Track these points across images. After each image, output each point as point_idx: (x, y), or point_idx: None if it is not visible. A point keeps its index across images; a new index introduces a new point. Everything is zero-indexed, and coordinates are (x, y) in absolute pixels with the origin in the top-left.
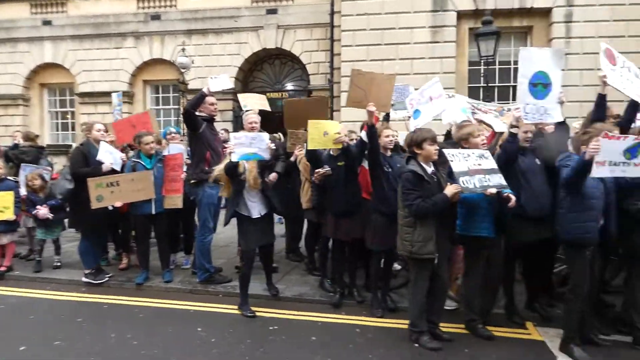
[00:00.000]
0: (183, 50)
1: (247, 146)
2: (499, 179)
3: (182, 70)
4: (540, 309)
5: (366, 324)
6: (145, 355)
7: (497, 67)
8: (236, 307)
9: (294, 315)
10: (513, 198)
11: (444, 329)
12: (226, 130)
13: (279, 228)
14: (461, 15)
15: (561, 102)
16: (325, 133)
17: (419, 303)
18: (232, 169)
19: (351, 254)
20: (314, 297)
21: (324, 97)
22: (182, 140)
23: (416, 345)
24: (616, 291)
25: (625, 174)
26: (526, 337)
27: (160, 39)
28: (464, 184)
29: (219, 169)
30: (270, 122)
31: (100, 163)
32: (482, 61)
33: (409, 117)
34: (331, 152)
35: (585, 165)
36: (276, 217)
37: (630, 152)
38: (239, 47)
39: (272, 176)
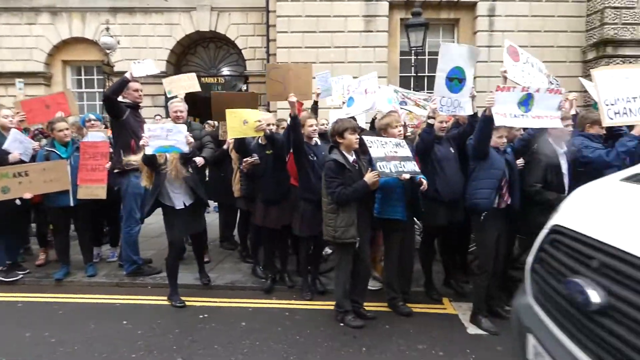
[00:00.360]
0: (107, 29)
1: (163, 139)
2: (412, 166)
3: (107, 51)
4: (455, 286)
5: (295, 307)
6: (64, 353)
7: (426, 57)
8: (166, 298)
9: (225, 302)
10: (424, 182)
11: (368, 308)
12: (160, 117)
13: (214, 217)
14: (393, 5)
15: (472, 97)
16: (244, 122)
17: (343, 285)
18: (149, 161)
19: (281, 240)
20: (246, 284)
21: (255, 93)
22: (106, 127)
23: (341, 324)
24: (524, 267)
25: (526, 125)
26: (442, 311)
27: (80, 15)
28: (380, 168)
29: (135, 158)
30: (206, 107)
31: (7, 153)
32: (412, 51)
33: (343, 102)
34: (260, 141)
35: (487, 120)
36: (212, 205)
37: (524, 105)
38: (170, 29)
39: (198, 160)
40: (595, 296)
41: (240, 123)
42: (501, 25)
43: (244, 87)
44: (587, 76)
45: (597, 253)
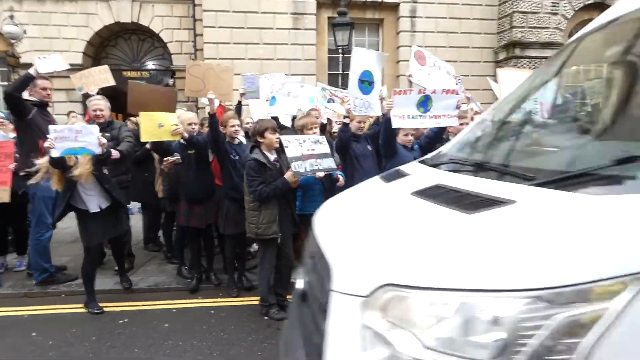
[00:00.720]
0: (11, 17)
1: (71, 140)
2: (329, 163)
3: (12, 41)
4: None
5: (221, 304)
6: None
7: None
8: (82, 305)
9: (147, 305)
10: (341, 179)
11: None
12: (75, 114)
13: (139, 218)
14: (321, 4)
15: (381, 99)
16: (160, 125)
17: (267, 279)
18: (57, 164)
19: (207, 239)
20: (170, 285)
21: (174, 89)
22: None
23: (266, 317)
24: None
25: (424, 125)
26: None
27: None
28: (295, 168)
29: (42, 162)
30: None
31: None
32: (339, 49)
33: (267, 100)
34: (181, 140)
35: (388, 121)
36: (136, 206)
37: (423, 106)
38: (87, 19)
39: (114, 153)
40: (300, 284)
41: (155, 126)
42: (422, 26)
43: (171, 82)
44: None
45: (313, 245)
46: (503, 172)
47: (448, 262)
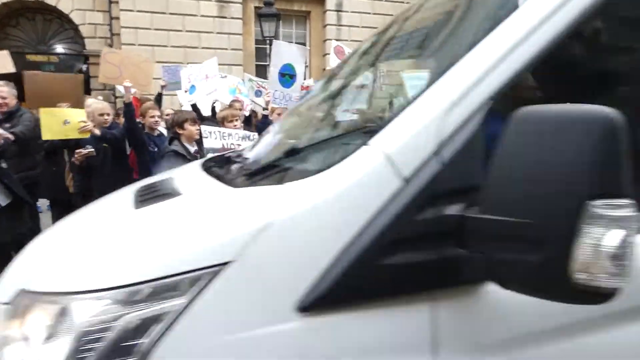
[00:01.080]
0: None
1: None
2: None
3: None
4: None
5: None
6: None
7: None
8: None
9: None
10: None
11: None
12: None
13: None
14: None
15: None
16: (65, 121)
17: None
18: None
19: None
20: None
21: (78, 75)
22: None
23: None
24: None
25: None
26: None
27: None
28: None
29: None
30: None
31: None
32: (266, 40)
33: (186, 90)
34: (97, 132)
35: None
36: (45, 203)
37: None
38: None
39: (5, 135)
40: None
41: (60, 123)
42: (348, 20)
43: (84, 68)
44: None
45: None
46: (244, 168)
47: (68, 263)
